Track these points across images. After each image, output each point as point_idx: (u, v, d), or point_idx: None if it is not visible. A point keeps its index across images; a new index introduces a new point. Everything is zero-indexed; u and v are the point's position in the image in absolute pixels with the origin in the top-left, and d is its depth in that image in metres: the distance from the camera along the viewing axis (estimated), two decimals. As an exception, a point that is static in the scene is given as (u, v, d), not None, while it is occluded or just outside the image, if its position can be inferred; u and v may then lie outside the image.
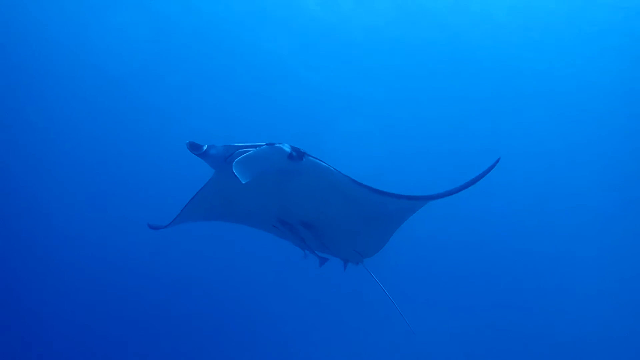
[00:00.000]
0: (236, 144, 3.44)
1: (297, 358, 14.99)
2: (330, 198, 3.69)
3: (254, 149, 3.27)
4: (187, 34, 15.93)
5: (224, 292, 15.54)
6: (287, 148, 3.28)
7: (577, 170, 17.30)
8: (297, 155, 3.31)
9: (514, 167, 16.52)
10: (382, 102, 17.97)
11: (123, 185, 16.43)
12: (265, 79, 17.53)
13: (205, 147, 3.36)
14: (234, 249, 14.96)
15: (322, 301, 15.50)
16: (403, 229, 4.18)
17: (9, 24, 14.17)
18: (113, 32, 14.91)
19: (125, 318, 14.09)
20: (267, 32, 16.03)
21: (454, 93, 17.38)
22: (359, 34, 16.06)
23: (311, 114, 18.10)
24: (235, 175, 3.06)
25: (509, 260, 17.08)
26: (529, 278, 16.94)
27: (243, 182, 3.11)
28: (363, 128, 17.80)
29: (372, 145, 17.71)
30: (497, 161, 3.48)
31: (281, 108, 18.06)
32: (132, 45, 15.39)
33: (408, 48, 16.45)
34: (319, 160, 3.44)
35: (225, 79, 17.52)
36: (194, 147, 3.33)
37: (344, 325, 15.56)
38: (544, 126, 17.27)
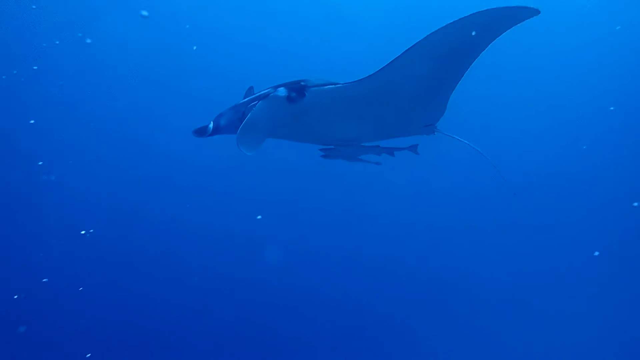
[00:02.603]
0: (243, 100, 3.27)
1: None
2: (356, 111, 3.37)
3: (253, 107, 3.07)
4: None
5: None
6: (282, 93, 3.07)
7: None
8: (297, 93, 3.10)
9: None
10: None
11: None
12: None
13: (211, 125, 3.19)
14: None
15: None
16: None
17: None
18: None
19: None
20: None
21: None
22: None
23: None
24: (243, 152, 2.92)
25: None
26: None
27: (250, 154, 2.95)
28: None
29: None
30: None
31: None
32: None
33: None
34: (322, 85, 3.15)
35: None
36: (201, 132, 3.17)
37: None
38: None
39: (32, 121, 15.90)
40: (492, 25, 2.90)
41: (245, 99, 3.28)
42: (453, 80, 3.36)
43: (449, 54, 3.06)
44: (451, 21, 2.81)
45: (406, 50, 2.94)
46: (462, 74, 3.32)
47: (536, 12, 2.75)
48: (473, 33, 2.93)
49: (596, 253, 14.89)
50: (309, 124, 3.38)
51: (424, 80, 3.26)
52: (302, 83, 3.14)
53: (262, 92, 3.20)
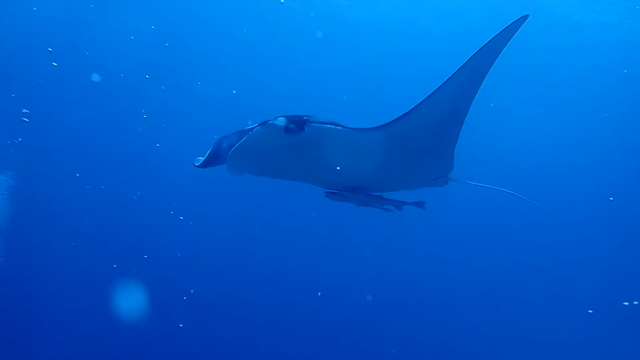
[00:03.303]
0: (247, 127, 3.19)
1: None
2: (356, 156, 3.29)
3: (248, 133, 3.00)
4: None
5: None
6: (281, 123, 2.98)
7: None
8: (296, 126, 3.01)
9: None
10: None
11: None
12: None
13: (209, 152, 3.16)
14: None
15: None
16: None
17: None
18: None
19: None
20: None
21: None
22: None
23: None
24: (231, 173, 2.89)
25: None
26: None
27: (237, 176, 2.92)
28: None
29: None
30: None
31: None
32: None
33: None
34: (324, 123, 3.08)
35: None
36: (203, 162, 3.15)
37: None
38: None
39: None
40: (492, 51, 2.84)
41: (250, 126, 3.20)
42: (457, 127, 3.27)
43: (454, 102, 3.01)
44: (459, 67, 2.76)
45: (416, 106, 2.91)
46: (464, 116, 3.22)
47: (525, 18, 2.70)
48: (478, 71, 2.87)
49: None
50: (305, 161, 3.29)
51: (430, 133, 3.20)
52: (305, 117, 3.07)
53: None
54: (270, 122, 2.99)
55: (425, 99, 2.90)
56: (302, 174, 3.52)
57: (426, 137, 3.21)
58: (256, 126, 3.03)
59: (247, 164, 3.07)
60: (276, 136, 3.01)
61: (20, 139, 15.12)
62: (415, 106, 2.93)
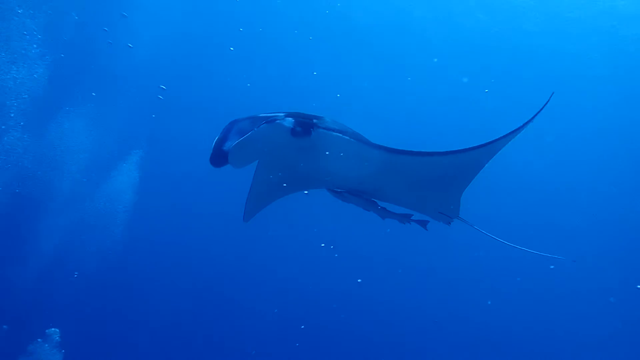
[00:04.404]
0: (262, 115, 3.08)
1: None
2: (359, 168, 3.30)
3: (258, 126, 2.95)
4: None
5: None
6: (288, 124, 2.98)
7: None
8: (303, 129, 3.00)
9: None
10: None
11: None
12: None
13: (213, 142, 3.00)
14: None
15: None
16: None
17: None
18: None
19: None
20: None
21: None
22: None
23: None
24: (231, 164, 2.95)
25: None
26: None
27: (237, 168, 2.98)
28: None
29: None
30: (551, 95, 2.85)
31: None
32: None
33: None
34: (332, 130, 3.08)
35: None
36: (217, 160, 2.95)
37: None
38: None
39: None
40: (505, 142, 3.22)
41: (264, 114, 3.11)
42: (464, 181, 3.38)
43: (461, 167, 3.21)
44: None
45: (426, 153, 3.03)
46: (471, 178, 3.36)
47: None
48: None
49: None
50: (308, 163, 3.32)
51: (435, 177, 3.32)
52: (315, 120, 3.06)
53: (275, 114, 3.07)
54: (277, 121, 2.98)
55: (437, 152, 3.01)
56: (304, 173, 3.54)
57: (431, 178, 3.30)
58: (264, 122, 2.98)
59: (250, 158, 3.17)
60: (281, 136, 3.02)
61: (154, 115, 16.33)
62: (426, 152, 3.01)
